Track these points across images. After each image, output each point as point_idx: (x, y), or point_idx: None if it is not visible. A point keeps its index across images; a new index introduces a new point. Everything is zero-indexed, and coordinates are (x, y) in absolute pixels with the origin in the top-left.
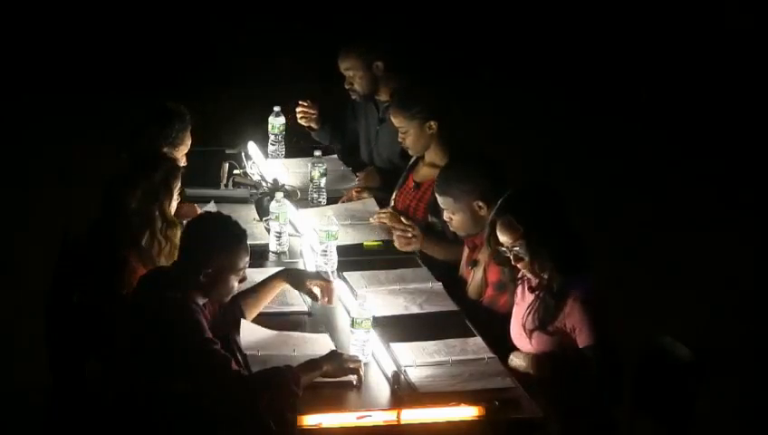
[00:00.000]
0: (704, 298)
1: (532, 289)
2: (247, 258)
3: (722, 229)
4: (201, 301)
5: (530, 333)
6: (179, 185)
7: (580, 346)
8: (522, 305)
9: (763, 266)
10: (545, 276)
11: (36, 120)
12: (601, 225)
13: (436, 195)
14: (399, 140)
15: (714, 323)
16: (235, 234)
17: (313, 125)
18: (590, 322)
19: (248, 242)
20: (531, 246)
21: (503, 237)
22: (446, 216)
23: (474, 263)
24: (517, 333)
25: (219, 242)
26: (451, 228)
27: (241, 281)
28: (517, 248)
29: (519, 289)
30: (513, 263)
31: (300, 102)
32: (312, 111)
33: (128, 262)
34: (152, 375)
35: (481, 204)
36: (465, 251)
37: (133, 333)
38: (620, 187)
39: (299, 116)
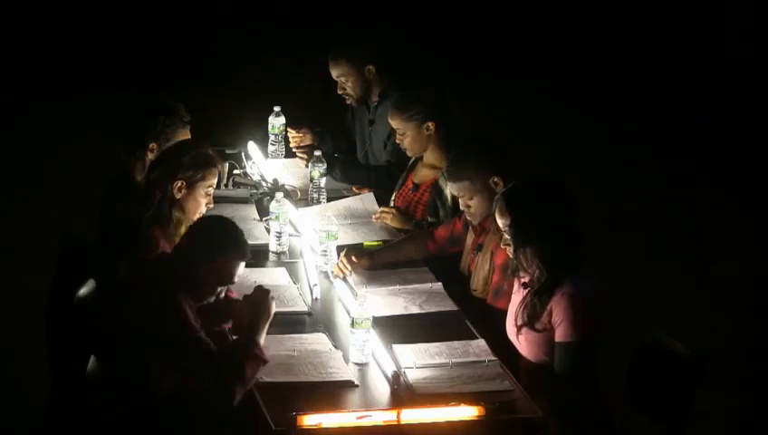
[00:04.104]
0: (704, 297)
1: (524, 284)
2: (242, 268)
3: (721, 228)
4: (189, 293)
5: (518, 330)
6: (210, 181)
7: (557, 340)
8: (515, 301)
9: (763, 265)
10: (531, 270)
11: (37, 121)
12: (602, 224)
13: (450, 184)
14: (397, 141)
15: (713, 322)
16: (243, 241)
17: (306, 156)
18: (572, 319)
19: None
20: (516, 235)
21: (498, 219)
22: (462, 204)
23: (479, 247)
24: (510, 330)
25: (227, 243)
26: (468, 217)
27: (218, 295)
28: (506, 235)
29: (515, 283)
30: (502, 245)
31: (289, 130)
32: (300, 136)
33: (152, 236)
34: (140, 369)
35: (497, 179)
36: (471, 237)
37: (122, 322)
38: (620, 186)
39: (293, 145)
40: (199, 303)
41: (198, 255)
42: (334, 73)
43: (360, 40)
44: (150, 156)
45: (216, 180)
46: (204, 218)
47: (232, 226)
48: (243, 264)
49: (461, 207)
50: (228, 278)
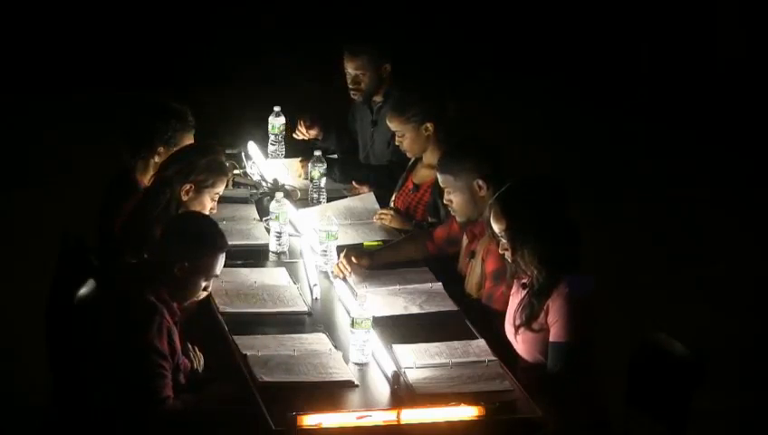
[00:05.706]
0: (704, 297)
1: (524, 285)
2: (220, 267)
3: (721, 228)
4: (173, 295)
5: (516, 330)
6: (218, 188)
7: (551, 339)
8: (514, 302)
9: (763, 265)
10: (530, 271)
11: (37, 121)
12: (602, 224)
13: (438, 174)
14: (397, 143)
15: (713, 322)
16: (223, 241)
17: (316, 135)
18: (567, 319)
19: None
20: (514, 238)
21: (493, 224)
22: (446, 198)
23: (471, 254)
24: (509, 330)
25: (207, 241)
26: (452, 213)
27: (205, 289)
28: (504, 239)
29: (514, 284)
30: (500, 251)
31: (300, 122)
32: (307, 127)
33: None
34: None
35: (481, 183)
36: (465, 242)
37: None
38: (620, 186)
39: (299, 136)
40: (186, 301)
41: (177, 254)
42: (351, 66)
43: (380, 37)
44: (157, 158)
45: (223, 188)
46: (177, 217)
47: (205, 220)
48: (223, 255)
49: (444, 201)
50: (211, 272)
